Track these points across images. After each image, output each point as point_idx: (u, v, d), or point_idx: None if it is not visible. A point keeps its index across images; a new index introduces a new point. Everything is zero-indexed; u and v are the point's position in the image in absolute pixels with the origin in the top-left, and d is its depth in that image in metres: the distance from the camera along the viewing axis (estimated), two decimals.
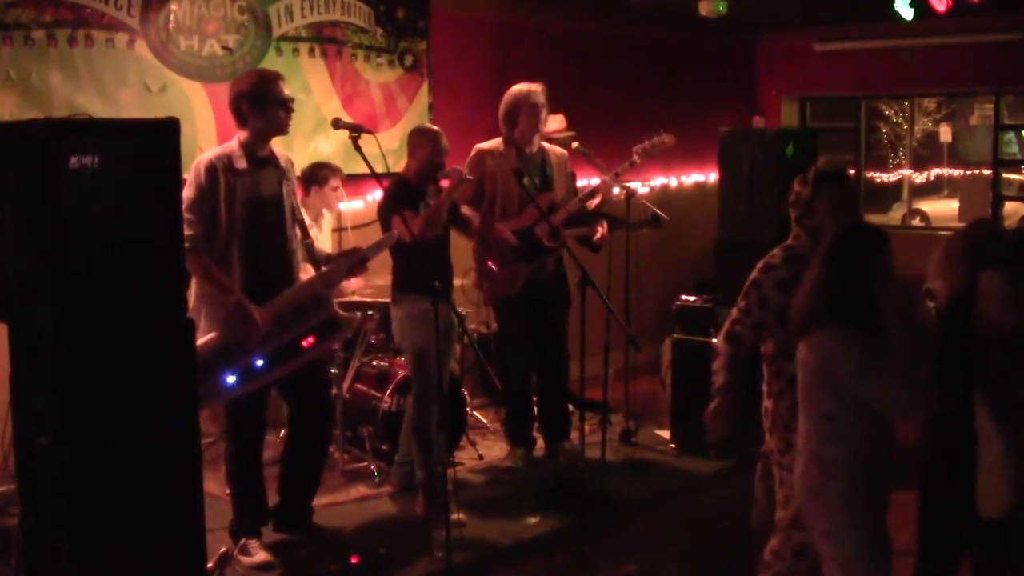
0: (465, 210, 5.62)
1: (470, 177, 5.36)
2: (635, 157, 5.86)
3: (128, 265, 3.49)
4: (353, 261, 4.70)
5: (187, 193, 4.36)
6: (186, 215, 4.30)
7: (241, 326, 4.36)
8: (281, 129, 4.55)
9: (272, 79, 4.53)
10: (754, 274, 3.94)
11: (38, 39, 5.33)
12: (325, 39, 6.52)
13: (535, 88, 5.71)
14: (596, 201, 5.83)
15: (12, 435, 3.67)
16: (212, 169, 4.40)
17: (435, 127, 5.34)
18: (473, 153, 5.80)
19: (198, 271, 4.41)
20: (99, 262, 3.42)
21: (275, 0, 6.26)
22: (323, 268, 4.74)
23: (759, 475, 4.02)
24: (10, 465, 4.12)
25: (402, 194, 5.09)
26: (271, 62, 6.16)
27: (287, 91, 4.55)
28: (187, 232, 4.27)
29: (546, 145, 5.91)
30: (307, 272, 4.84)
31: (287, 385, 4.72)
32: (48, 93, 5.36)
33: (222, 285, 4.38)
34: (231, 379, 4.38)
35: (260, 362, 4.42)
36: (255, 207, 4.46)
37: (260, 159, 4.52)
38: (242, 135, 4.52)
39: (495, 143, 5.81)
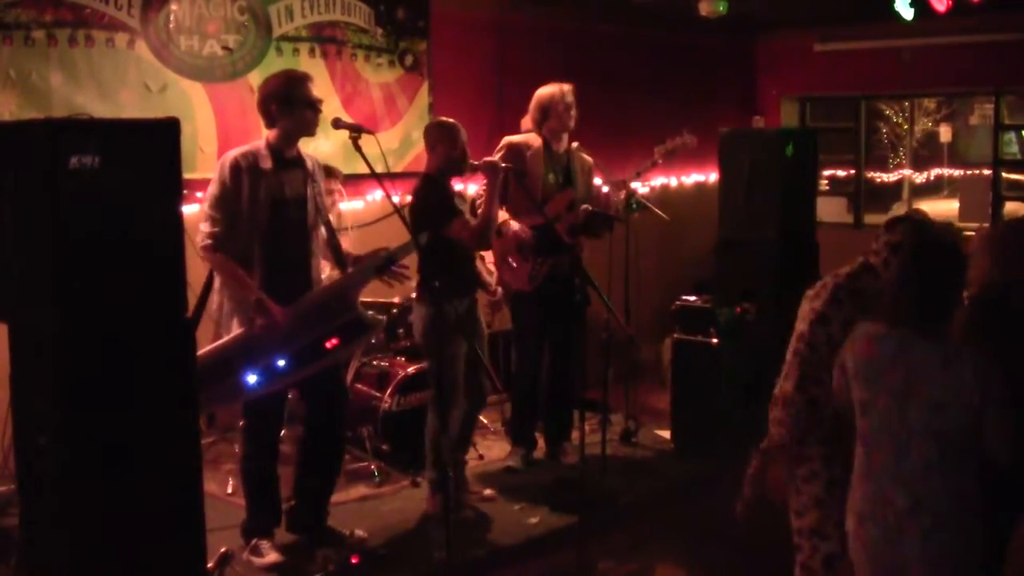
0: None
1: (505, 164, 5.28)
2: (656, 158, 5.92)
3: (128, 265, 3.49)
4: (379, 262, 4.64)
5: (211, 190, 4.43)
6: (208, 211, 4.43)
7: (262, 324, 4.34)
8: (308, 130, 4.56)
9: (300, 80, 4.54)
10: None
11: (38, 39, 5.33)
12: (325, 39, 6.52)
13: (566, 88, 5.79)
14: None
15: (12, 435, 3.67)
16: (236, 167, 4.40)
17: (451, 120, 5.19)
18: (504, 147, 5.80)
19: (218, 267, 4.44)
20: (99, 262, 3.42)
21: (275, 0, 6.26)
22: (349, 269, 4.71)
23: (753, 472, 3.91)
24: (10, 465, 4.12)
25: (438, 192, 5.08)
26: (271, 62, 6.16)
27: (315, 92, 4.55)
28: (208, 228, 4.38)
29: (577, 151, 5.95)
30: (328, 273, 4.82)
31: (305, 385, 4.69)
32: (48, 93, 5.36)
33: (241, 282, 4.38)
34: (252, 379, 4.34)
35: (282, 362, 4.37)
36: (278, 207, 4.46)
37: (286, 159, 4.52)
38: (270, 135, 4.52)
39: (526, 137, 5.85)
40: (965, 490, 3.06)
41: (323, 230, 4.68)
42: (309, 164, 4.62)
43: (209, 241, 4.38)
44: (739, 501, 3.79)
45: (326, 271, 4.94)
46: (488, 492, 5.40)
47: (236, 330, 4.42)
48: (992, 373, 3.01)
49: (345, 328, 4.55)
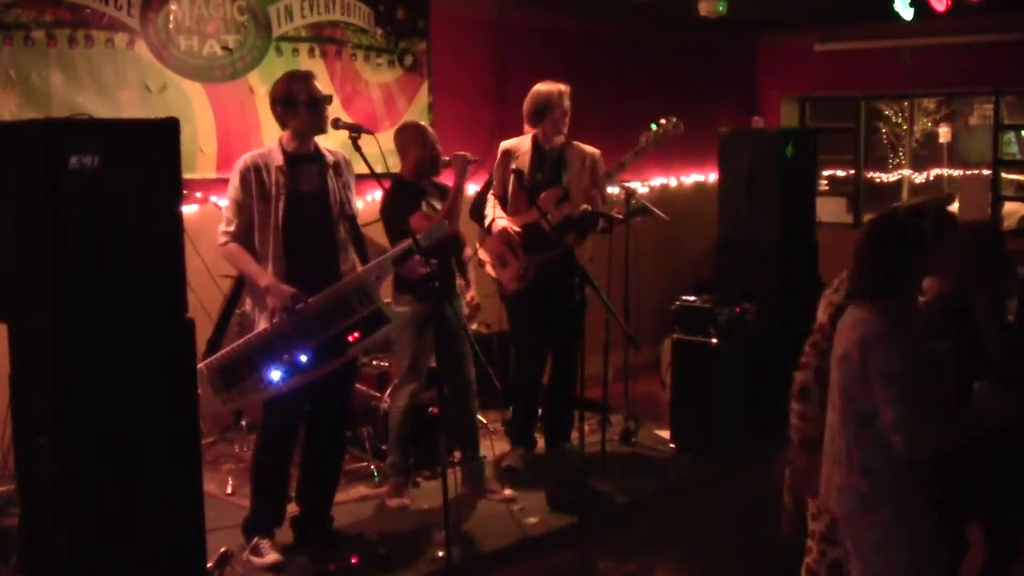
0: (494, 206, 5.72)
1: (475, 158, 5.30)
2: (642, 145, 5.77)
3: (128, 265, 3.49)
4: (396, 255, 4.65)
5: (229, 191, 4.54)
6: (225, 212, 4.56)
7: (274, 307, 4.35)
8: (316, 126, 4.55)
9: (298, 79, 4.55)
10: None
11: (38, 39, 5.33)
12: (325, 39, 6.52)
13: (564, 90, 5.73)
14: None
15: (12, 435, 3.68)
16: (245, 169, 4.47)
17: (418, 122, 5.39)
18: (500, 152, 5.84)
19: (230, 258, 4.52)
20: (99, 262, 3.42)
21: (275, 0, 6.27)
22: (371, 262, 4.72)
23: (788, 483, 3.93)
24: (10, 465, 4.12)
25: (403, 195, 5.11)
26: (271, 62, 6.17)
27: (319, 87, 4.55)
28: (223, 227, 4.50)
29: (577, 144, 5.89)
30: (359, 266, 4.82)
31: (314, 382, 4.67)
32: (48, 93, 5.36)
33: (252, 270, 4.44)
34: (276, 375, 4.34)
35: (304, 357, 4.37)
36: (295, 202, 4.48)
37: (300, 156, 4.54)
38: (283, 135, 4.58)
39: (519, 140, 5.84)
40: (864, 460, 3.01)
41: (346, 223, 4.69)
42: (330, 158, 4.63)
43: (223, 238, 4.47)
44: (783, 516, 3.77)
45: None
46: (508, 492, 5.40)
47: (262, 327, 4.44)
48: (875, 337, 2.94)
49: (366, 321, 4.55)
